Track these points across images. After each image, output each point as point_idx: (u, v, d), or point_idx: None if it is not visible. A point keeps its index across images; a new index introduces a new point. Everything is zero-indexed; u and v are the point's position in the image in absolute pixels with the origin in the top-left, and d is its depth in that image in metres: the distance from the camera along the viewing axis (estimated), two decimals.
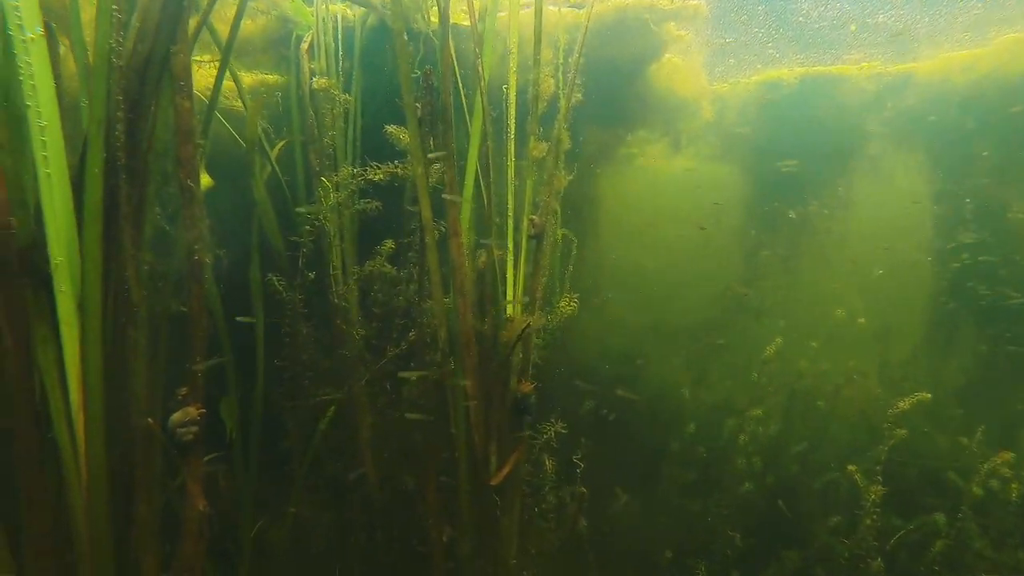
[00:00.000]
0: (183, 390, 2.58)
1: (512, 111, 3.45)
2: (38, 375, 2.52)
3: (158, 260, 2.74)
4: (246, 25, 5.09)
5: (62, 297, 2.47)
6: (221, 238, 3.71)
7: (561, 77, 3.69)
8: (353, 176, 3.44)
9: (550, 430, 3.58)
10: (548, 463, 3.66)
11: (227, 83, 4.79)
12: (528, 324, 3.15)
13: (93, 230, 2.43)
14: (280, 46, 5.14)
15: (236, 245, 3.94)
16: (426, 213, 3.18)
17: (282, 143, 4.39)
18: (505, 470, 3.30)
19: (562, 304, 3.50)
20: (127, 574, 2.63)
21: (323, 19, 4.58)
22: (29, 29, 2.38)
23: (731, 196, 9.18)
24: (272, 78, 4.88)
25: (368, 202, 3.54)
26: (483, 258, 3.43)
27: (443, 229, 3.30)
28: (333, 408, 3.66)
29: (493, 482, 3.25)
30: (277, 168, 4.19)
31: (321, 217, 3.51)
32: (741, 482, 5.65)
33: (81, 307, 2.48)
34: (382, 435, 3.67)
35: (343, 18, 4.81)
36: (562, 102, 3.55)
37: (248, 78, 4.84)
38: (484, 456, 3.30)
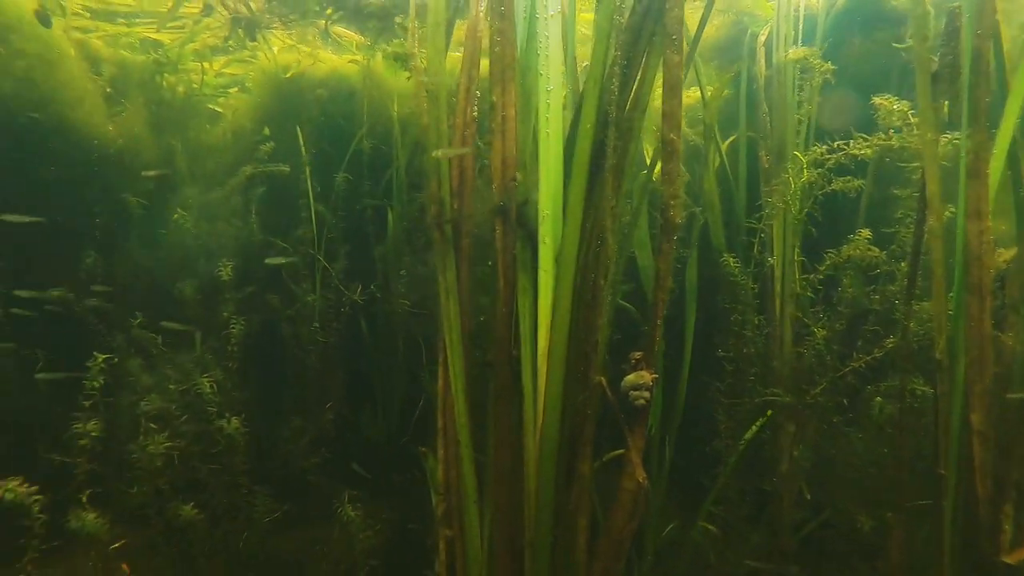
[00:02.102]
0: (637, 354, 2.49)
1: None
2: (516, 320, 2.75)
3: None
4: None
5: (544, 249, 2.64)
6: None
7: None
8: (831, 151, 2.97)
9: None
10: None
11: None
12: None
13: (578, 184, 2.52)
14: (727, 52, 4.99)
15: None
16: (933, 188, 2.51)
17: (732, 137, 4.22)
18: None
19: None
20: (563, 524, 2.65)
21: (784, 7, 4.25)
22: (552, 7, 2.64)
23: None
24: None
25: (848, 180, 3.02)
26: (1008, 254, 2.57)
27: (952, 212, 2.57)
28: (769, 413, 3.21)
29: (1006, 559, 2.35)
30: (726, 159, 4.00)
31: (786, 199, 3.15)
32: None
33: (558, 259, 2.61)
34: (829, 456, 3.06)
35: (805, 6, 4.41)
36: None
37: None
38: (991, 519, 2.42)
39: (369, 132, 5.20)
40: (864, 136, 2.87)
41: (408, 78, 3.25)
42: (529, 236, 2.72)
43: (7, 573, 2.63)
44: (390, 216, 5.01)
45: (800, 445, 3.30)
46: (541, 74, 2.63)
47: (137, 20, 5.33)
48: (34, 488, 2.37)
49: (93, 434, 2.75)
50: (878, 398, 2.87)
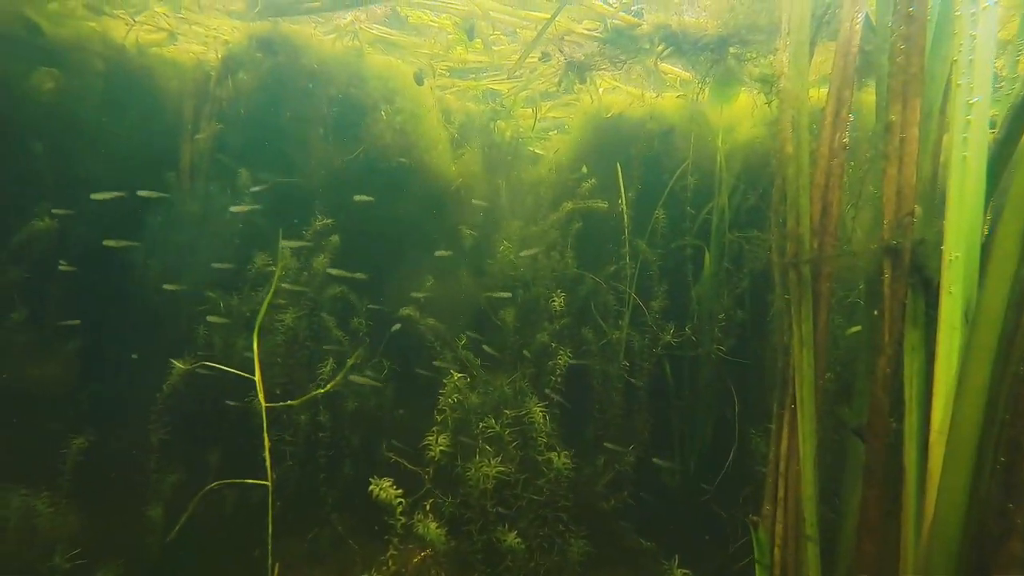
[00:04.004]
0: None
1: None
2: (899, 384, 2.25)
3: None
4: None
5: (950, 300, 2.11)
6: None
7: None
8: None
9: None
10: None
11: None
12: None
13: (1014, 219, 1.96)
14: None
15: None
16: None
17: None
18: None
19: None
20: None
21: None
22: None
23: None
24: None
25: None
26: None
27: None
28: None
29: None
30: None
31: None
32: None
33: (972, 314, 2.06)
34: None
35: None
36: None
37: None
38: None
39: (688, 168, 5.04)
40: None
41: (768, 103, 2.98)
42: (925, 283, 2.22)
43: (365, 554, 2.94)
44: (707, 256, 4.72)
45: None
46: (959, 84, 2.14)
47: (484, 74, 5.99)
48: (400, 491, 2.61)
49: (442, 448, 2.97)
50: None
